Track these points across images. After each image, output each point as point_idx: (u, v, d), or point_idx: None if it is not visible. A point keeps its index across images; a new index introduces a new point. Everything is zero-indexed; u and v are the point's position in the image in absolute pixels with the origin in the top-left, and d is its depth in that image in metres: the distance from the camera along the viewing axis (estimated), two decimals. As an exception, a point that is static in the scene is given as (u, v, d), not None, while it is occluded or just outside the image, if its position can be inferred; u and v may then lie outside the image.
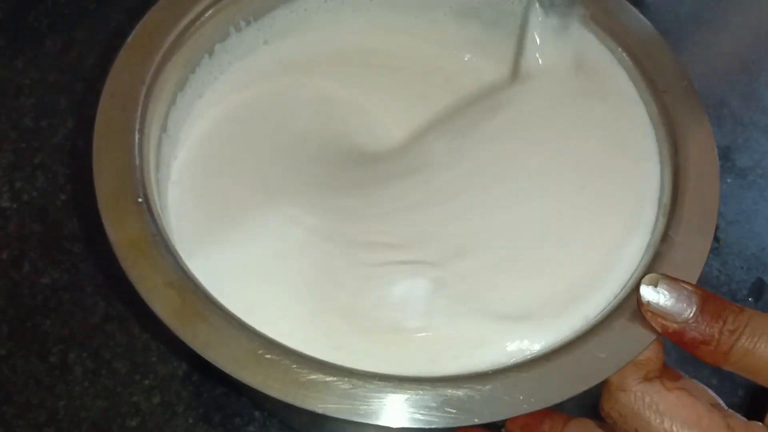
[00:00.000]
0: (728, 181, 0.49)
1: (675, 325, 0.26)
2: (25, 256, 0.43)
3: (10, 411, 0.38)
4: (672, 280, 0.26)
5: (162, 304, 0.26)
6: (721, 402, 0.29)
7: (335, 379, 0.25)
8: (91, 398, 0.39)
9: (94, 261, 0.43)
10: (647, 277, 0.26)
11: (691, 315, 0.26)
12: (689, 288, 0.26)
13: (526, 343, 0.28)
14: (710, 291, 0.29)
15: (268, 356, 0.25)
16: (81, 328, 0.41)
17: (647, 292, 0.26)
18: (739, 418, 0.27)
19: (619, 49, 0.36)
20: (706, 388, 0.30)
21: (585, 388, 0.25)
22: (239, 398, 0.40)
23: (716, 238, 0.47)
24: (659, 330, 0.26)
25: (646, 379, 0.26)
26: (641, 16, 0.37)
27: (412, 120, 0.38)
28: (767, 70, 0.54)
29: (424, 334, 0.29)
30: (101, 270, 0.43)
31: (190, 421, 0.39)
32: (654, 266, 0.29)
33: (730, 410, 0.28)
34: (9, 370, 0.39)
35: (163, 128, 0.33)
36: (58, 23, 0.51)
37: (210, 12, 0.35)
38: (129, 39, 0.33)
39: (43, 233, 0.44)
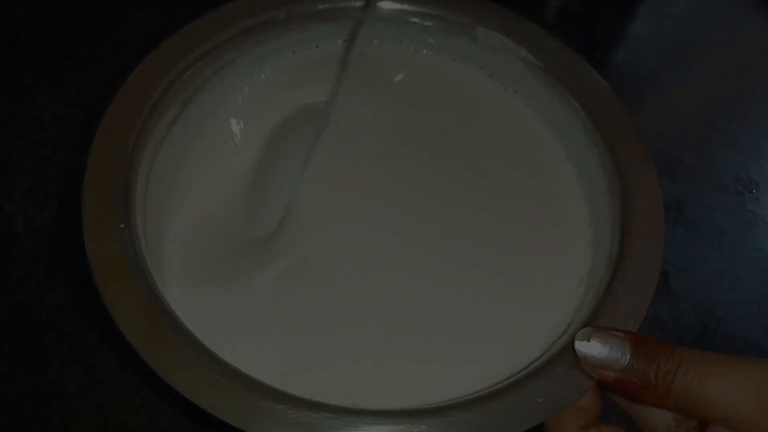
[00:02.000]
0: (680, 232, 0.48)
1: (613, 374, 0.25)
2: (33, 278, 0.42)
3: (6, 423, 0.37)
4: (602, 331, 0.25)
5: (129, 324, 0.26)
6: None
7: (285, 407, 0.24)
8: (84, 414, 0.38)
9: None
10: (580, 332, 0.25)
11: (626, 361, 0.24)
12: (620, 335, 0.25)
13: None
14: (658, 334, 0.28)
15: (224, 381, 0.25)
16: (79, 347, 0.40)
17: (582, 346, 0.25)
18: None
19: (582, 113, 0.36)
20: None
21: (520, 430, 0.25)
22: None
23: (666, 283, 0.46)
24: (600, 380, 0.25)
25: (585, 427, 0.25)
26: (602, 79, 0.37)
27: None
28: (718, 131, 0.54)
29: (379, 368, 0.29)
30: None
31: (174, 438, 0.38)
32: (596, 317, 0.28)
33: None
34: (9, 385, 0.39)
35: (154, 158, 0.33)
36: (78, 65, 0.51)
37: (205, 58, 0.35)
38: (128, 78, 0.33)
39: (50, 257, 0.43)
